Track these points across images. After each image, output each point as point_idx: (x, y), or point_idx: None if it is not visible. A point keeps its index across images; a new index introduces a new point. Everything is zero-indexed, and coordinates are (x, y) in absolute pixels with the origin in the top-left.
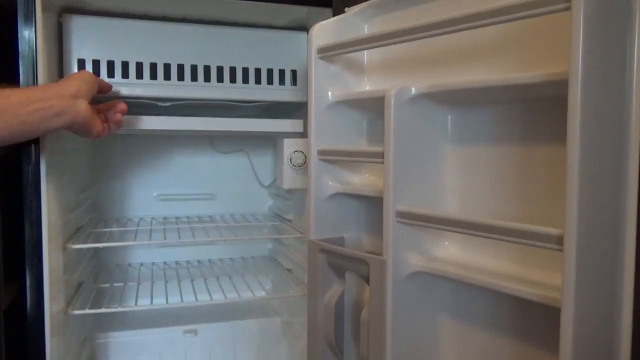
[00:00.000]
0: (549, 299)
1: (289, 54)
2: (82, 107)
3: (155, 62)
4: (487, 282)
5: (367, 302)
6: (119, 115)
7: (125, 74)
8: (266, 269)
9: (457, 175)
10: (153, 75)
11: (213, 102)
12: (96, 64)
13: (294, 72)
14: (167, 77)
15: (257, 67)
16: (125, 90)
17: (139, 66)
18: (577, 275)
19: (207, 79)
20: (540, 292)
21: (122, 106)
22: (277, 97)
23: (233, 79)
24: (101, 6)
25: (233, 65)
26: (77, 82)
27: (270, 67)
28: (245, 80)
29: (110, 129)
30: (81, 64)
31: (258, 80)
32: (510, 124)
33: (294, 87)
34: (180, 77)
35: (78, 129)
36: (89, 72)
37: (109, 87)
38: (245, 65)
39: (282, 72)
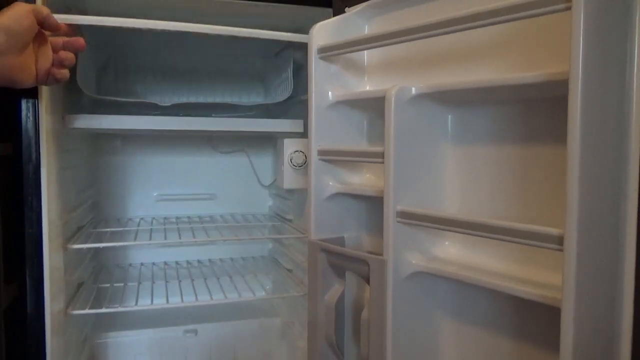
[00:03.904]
0: (549, 299)
1: None
2: None
3: None
4: (487, 282)
5: (367, 302)
6: (68, 56)
7: None
8: (266, 269)
9: (457, 175)
10: None
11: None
12: None
13: None
14: None
15: None
16: None
17: None
18: (577, 275)
19: None
20: (540, 292)
21: (79, 42)
22: None
23: None
24: None
25: None
26: None
27: None
28: None
29: (55, 75)
30: None
31: None
32: (510, 124)
33: None
34: None
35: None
36: (20, 11)
37: (57, 26)
38: None
39: None
